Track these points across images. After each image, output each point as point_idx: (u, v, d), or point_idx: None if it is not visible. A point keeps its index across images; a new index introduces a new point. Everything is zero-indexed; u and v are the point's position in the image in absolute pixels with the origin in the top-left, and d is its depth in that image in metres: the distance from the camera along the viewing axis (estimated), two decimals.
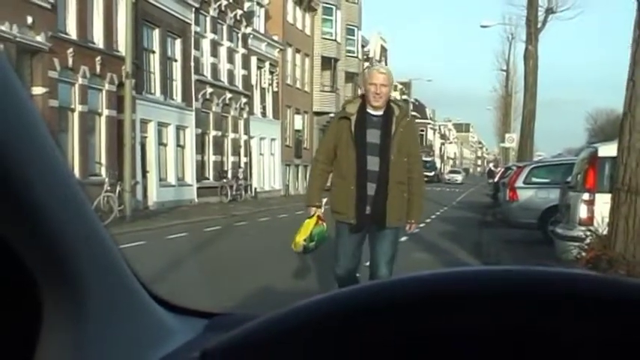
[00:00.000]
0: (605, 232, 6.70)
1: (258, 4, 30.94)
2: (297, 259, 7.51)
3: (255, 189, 29.46)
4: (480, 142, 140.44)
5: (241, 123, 29.03)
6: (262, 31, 31.51)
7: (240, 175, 27.34)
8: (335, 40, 39.04)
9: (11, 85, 0.53)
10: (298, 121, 35.92)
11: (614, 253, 6.33)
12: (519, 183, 12.97)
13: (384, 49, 57.07)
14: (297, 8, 35.86)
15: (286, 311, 0.57)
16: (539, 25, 24.09)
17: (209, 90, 25.73)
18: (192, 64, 24.40)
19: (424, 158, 38.99)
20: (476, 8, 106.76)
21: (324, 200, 4.73)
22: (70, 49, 17.05)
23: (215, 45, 26.52)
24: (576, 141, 76.51)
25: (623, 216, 6.33)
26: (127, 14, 16.43)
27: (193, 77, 24.47)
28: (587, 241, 7.00)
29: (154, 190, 21.24)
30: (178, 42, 23.60)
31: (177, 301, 0.93)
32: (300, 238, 4.74)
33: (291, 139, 35.16)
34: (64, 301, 0.63)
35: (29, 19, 15.36)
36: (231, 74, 28.06)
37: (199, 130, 24.93)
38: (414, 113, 58.36)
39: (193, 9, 24.24)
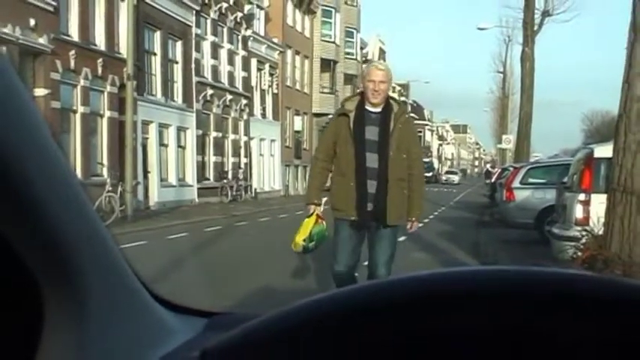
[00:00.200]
0: (600, 232, 6.68)
1: (258, 6, 30.97)
2: (297, 259, 7.49)
3: (255, 189, 29.50)
4: (477, 143, 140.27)
5: (241, 124, 29.08)
6: (262, 33, 31.54)
7: (241, 176, 27.41)
8: (334, 43, 39.08)
9: (13, 86, 0.53)
10: (298, 123, 35.94)
11: (609, 252, 6.31)
12: (516, 183, 13.00)
13: (382, 51, 57.11)
14: (297, 11, 35.89)
15: (286, 310, 0.57)
16: (535, 28, 24.04)
17: (210, 91, 25.78)
18: (193, 66, 24.44)
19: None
20: (473, 11, 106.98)
21: (324, 199, 4.67)
22: (72, 51, 17.09)
23: (216, 47, 26.58)
24: (572, 142, 76.59)
25: (618, 216, 6.30)
26: (129, 17, 16.50)
27: (194, 79, 24.53)
28: (583, 241, 6.96)
29: (155, 190, 21.28)
30: (179, 44, 23.65)
31: (178, 301, 0.93)
32: (300, 239, 4.68)
33: (291, 140, 35.21)
34: (66, 301, 0.62)
35: (32, 22, 15.39)
36: (231, 76, 28.13)
37: (200, 131, 24.99)
38: (412, 114, 58.22)
39: (194, 11, 24.30)
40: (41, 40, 15.82)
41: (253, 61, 30.51)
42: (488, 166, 68.30)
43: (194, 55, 24.56)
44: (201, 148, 25.19)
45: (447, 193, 38.20)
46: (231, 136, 28.16)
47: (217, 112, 26.62)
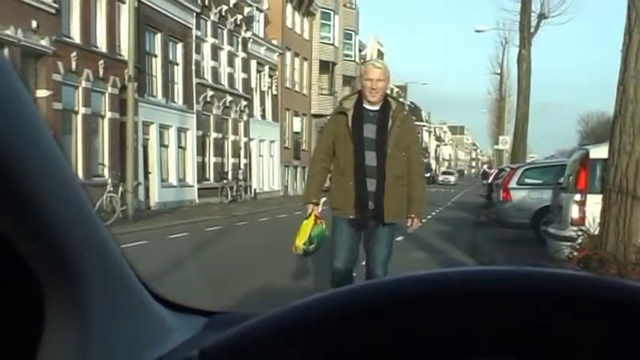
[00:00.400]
0: (596, 232, 6.65)
1: (258, 9, 31.06)
2: (296, 259, 7.45)
3: (255, 190, 29.61)
4: (474, 144, 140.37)
5: (241, 125, 29.19)
6: (262, 35, 31.65)
7: (240, 177, 27.52)
8: (333, 45, 39.21)
9: (13, 86, 0.53)
10: (297, 124, 36.06)
11: (605, 252, 6.30)
12: (513, 184, 13.02)
13: (380, 53, 57.20)
14: (296, 13, 36.01)
15: (284, 310, 0.56)
16: (532, 30, 24.03)
17: (210, 93, 25.89)
18: (194, 67, 24.54)
19: None
20: (471, 13, 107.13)
21: (323, 200, 4.63)
22: (74, 53, 17.17)
23: (216, 49, 26.69)
24: (568, 143, 76.52)
25: (613, 216, 6.29)
26: (130, 19, 16.63)
27: (194, 80, 24.63)
28: (579, 240, 6.96)
29: (155, 190, 21.37)
30: (180, 46, 23.77)
31: (178, 300, 0.93)
32: (300, 242, 4.63)
33: (290, 141, 35.31)
34: (68, 301, 0.62)
35: (34, 24, 15.50)
36: (231, 77, 28.24)
37: (200, 132, 25.09)
38: None
39: (194, 14, 24.40)
40: (43, 42, 15.91)
41: (253, 63, 30.61)
42: (485, 166, 68.51)
43: (194, 56, 24.66)
44: (201, 149, 25.29)
45: (444, 193, 38.31)
46: (231, 137, 28.26)
47: (217, 114, 26.72)
